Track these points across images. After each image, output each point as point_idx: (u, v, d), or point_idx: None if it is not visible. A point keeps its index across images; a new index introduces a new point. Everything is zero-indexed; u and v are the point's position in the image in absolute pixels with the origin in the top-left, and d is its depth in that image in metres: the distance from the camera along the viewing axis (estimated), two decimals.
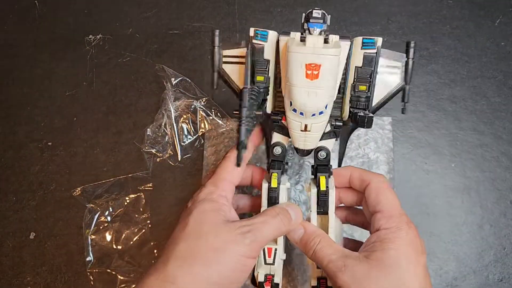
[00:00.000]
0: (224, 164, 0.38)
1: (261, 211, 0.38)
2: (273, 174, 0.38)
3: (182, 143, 0.54)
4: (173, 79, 0.55)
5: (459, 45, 0.58)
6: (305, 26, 0.35)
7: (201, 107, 0.55)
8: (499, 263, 0.50)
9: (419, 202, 0.52)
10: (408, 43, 0.38)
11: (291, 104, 0.35)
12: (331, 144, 0.40)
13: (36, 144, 0.57)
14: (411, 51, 0.38)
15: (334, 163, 0.42)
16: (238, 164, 0.34)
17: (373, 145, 0.53)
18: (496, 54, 0.57)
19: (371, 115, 0.35)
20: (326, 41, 0.34)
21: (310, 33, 0.34)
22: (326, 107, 0.35)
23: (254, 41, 0.37)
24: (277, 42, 0.38)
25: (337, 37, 0.36)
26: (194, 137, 0.55)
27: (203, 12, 0.61)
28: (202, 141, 0.55)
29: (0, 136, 0.58)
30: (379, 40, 0.37)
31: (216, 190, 0.36)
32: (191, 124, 0.55)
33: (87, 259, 0.51)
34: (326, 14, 0.35)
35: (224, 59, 0.39)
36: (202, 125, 0.55)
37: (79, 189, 0.53)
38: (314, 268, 0.38)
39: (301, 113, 0.35)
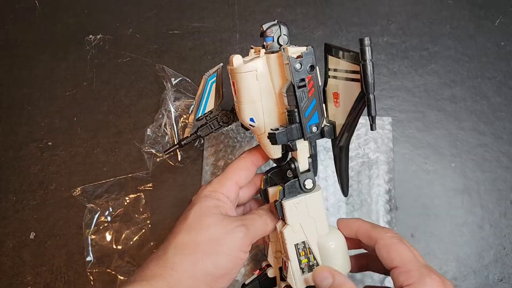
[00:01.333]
0: (235, 164, 0.40)
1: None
2: (263, 176, 0.41)
3: (182, 143, 0.54)
4: (173, 79, 0.55)
5: (459, 45, 0.58)
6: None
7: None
8: (499, 263, 0.50)
9: (419, 202, 0.52)
10: (361, 40, 0.30)
11: None
12: (299, 156, 0.38)
13: (36, 144, 0.57)
14: (367, 50, 0.29)
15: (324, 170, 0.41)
16: (164, 153, 0.38)
17: (373, 145, 0.53)
18: (496, 54, 0.57)
19: (275, 131, 0.34)
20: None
21: (265, 48, 0.36)
22: (252, 121, 0.36)
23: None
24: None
25: (292, 48, 0.33)
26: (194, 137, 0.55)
27: (203, 12, 0.61)
28: (202, 141, 0.55)
29: (0, 136, 0.58)
30: (288, 50, 0.33)
31: (219, 188, 0.38)
32: None
33: (87, 259, 0.51)
34: (277, 24, 0.35)
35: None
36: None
37: (79, 189, 0.53)
38: (314, 281, 0.38)
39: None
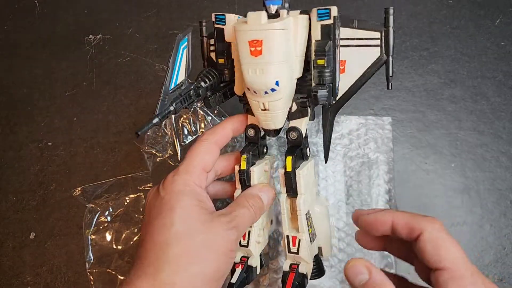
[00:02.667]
0: (198, 148, 0.37)
1: (234, 194, 0.39)
2: (242, 156, 0.39)
3: (182, 143, 0.54)
4: None
5: (459, 45, 0.58)
6: (264, 4, 0.34)
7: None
8: (499, 263, 0.50)
9: (419, 202, 0.52)
10: (387, 10, 0.35)
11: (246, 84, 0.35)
12: (303, 124, 0.38)
13: (36, 144, 0.57)
14: (391, 18, 0.35)
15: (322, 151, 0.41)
16: (136, 133, 0.33)
17: (373, 145, 0.53)
18: (496, 54, 0.57)
19: (323, 90, 0.34)
20: (274, 16, 0.33)
21: (266, 11, 0.33)
22: (277, 84, 0.33)
23: (215, 25, 0.38)
24: None
25: (297, 12, 0.35)
26: (194, 137, 0.55)
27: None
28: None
29: (0, 136, 0.58)
30: (334, 9, 0.34)
31: (190, 179, 0.35)
32: (191, 124, 0.55)
33: (87, 259, 0.51)
34: None
35: (212, 48, 0.40)
36: (202, 125, 0.55)
37: (79, 189, 0.53)
38: (287, 253, 0.38)
39: (255, 92, 0.34)
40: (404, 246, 0.33)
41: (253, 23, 0.32)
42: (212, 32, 0.40)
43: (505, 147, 0.54)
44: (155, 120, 0.33)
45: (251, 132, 0.40)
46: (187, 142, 0.55)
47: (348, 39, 0.36)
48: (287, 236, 0.38)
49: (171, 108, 0.34)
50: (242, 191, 0.39)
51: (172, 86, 0.34)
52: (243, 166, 0.38)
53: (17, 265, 0.52)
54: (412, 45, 0.58)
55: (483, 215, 0.51)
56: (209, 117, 0.55)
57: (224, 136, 0.39)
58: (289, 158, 0.37)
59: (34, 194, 0.55)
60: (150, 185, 0.54)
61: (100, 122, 0.57)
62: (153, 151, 0.54)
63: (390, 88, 0.35)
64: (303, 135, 0.38)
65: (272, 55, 0.32)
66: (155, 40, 0.60)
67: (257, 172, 0.39)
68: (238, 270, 0.38)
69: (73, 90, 0.59)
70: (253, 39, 0.32)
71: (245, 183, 0.39)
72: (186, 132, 0.55)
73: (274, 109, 0.35)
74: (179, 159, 0.54)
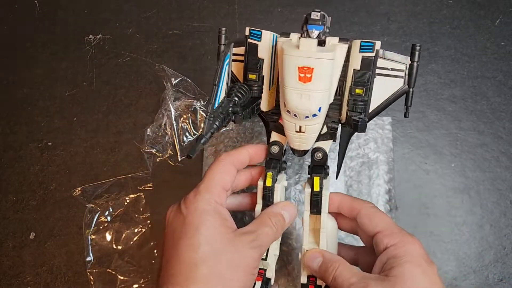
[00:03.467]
0: (217, 168, 0.38)
1: (255, 209, 0.39)
2: (268, 173, 0.39)
3: (182, 143, 0.54)
4: (173, 79, 0.55)
5: (459, 45, 0.58)
6: (304, 28, 0.35)
7: (201, 107, 0.55)
8: (499, 263, 0.50)
9: (419, 202, 0.52)
10: (414, 46, 0.37)
11: (285, 106, 0.35)
12: (328, 145, 0.40)
13: (36, 144, 0.57)
14: (417, 54, 0.37)
15: (333, 164, 0.42)
16: (188, 156, 0.32)
17: (373, 145, 0.53)
18: (496, 54, 0.57)
19: (365, 119, 0.35)
20: (323, 43, 0.34)
21: (308, 35, 0.34)
22: (319, 110, 0.35)
23: (249, 40, 0.38)
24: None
25: (336, 39, 0.36)
26: (194, 137, 0.55)
27: (203, 12, 0.61)
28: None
29: (0, 136, 0.58)
30: (378, 44, 0.36)
31: (211, 198, 0.36)
32: (191, 124, 0.55)
33: (87, 259, 0.51)
34: (326, 15, 0.35)
35: (233, 57, 0.39)
36: (202, 125, 0.55)
37: (79, 189, 0.53)
38: (304, 265, 0.38)
39: (295, 115, 0.35)
40: (349, 222, 0.40)
41: (306, 50, 0.32)
42: (236, 43, 0.39)
43: (505, 147, 0.54)
44: (203, 140, 0.33)
45: (275, 149, 0.40)
46: (187, 142, 0.55)
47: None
48: (307, 250, 0.38)
49: (215, 126, 0.34)
50: (263, 207, 0.39)
51: (216, 105, 0.34)
52: (269, 183, 0.39)
53: (17, 265, 0.52)
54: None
55: (483, 215, 0.51)
56: None
57: (240, 160, 0.39)
58: (317, 178, 0.38)
59: (34, 194, 0.55)
60: (150, 185, 0.54)
61: (100, 122, 0.57)
62: (153, 151, 0.54)
63: (407, 116, 0.39)
64: (326, 157, 0.40)
65: (320, 83, 0.33)
66: (155, 40, 0.60)
67: (280, 190, 0.39)
68: (258, 283, 0.38)
69: (73, 90, 0.59)
70: (304, 65, 0.32)
71: (269, 199, 0.39)
72: (186, 132, 0.55)
73: (310, 132, 0.37)
74: (179, 159, 0.54)
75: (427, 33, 0.59)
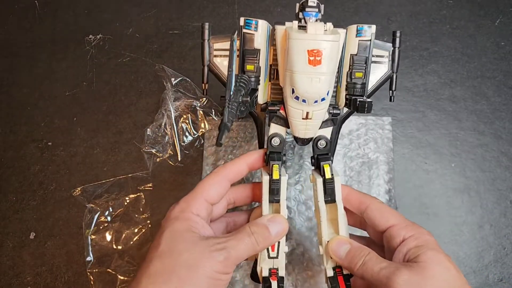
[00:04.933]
0: (205, 180, 0.38)
1: (263, 202, 0.38)
2: (274, 165, 0.38)
3: (182, 143, 0.54)
4: (173, 79, 0.55)
5: (459, 45, 0.58)
6: (301, 15, 0.35)
7: (201, 107, 0.55)
8: (499, 263, 0.50)
9: (419, 202, 0.52)
10: (394, 33, 0.39)
11: (293, 92, 0.35)
12: (329, 133, 0.39)
13: (36, 144, 0.57)
14: (397, 40, 0.39)
15: None
16: (218, 144, 0.32)
17: (373, 145, 0.53)
18: (496, 54, 0.57)
19: (370, 100, 0.35)
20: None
21: (305, 22, 0.34)
22: (327, 94, 0.35)
23: (244, 30, 0.37)
24: (271, 31, 0.38)
25: (331, 25, 0.36)
26: (194, 137, 0.55)
27: (203, 12, 0.61)
28: (202, 141, 0.55)
29: (0, 136, 0.58)
30: (373, 27, 0.38)
31: (187, 208, 0.36)
32: (191, 124, 0.55)
33: (87, 259, 0.51)
34: (320, 3, 0.35)
35: (215, 53, 0.39)
36: (202, 125, 0.55)
37: (79, 189, 0.53)
38: (328, 258, 0.37)
39: (304, 101, 0.35)
40: (356, 216, 0.40)
41: (314, 33, 0.33)
42: (216, 36, 0.39)
43: (505, 147, 0.54)
44: (228, 126, 0.32)
45: (277, 141, 0.39)
46: (187, 142, 0.55)
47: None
48: (328, 242, 0.37)
49: (234, 113, 0.33)
50: (270, 202, 0.38)
51: (232, 92, 0.34)
52: (276, 175, 0.38)
53: (17, 265, 0.52)
54: (412, 45, 0.58)
55: (483, 215, 0.51)
56: (210, 117, 0.55)
57: (236, 172, 0.39)
58: (327, 166, 0.38)
59: (34, 194, 0.55)
60: (150, 185, 0.54)
61: (100, 122, 0.57)
62: (153, 151, 0.54)
63: (392, 101, 0.40)
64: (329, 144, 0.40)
65: (330, 65, 0.33)
66: (155, 40, 0.60)
67: (283, 183, 0.38)
68: (274, 283, 0.37)
69: (73, 90, 0.59)
70: (313, 48, 0.33)
71: (277, 192, 0.38)
72: (186, 132, 0.55)
73: (317, 118, 0.37)
74: (179, 159, 0.54)
75: (427, 33, 0.59)
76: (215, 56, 0.39)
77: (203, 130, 0.55)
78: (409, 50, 0.58)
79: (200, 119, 0.55)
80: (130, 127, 0.56)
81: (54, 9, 0.63)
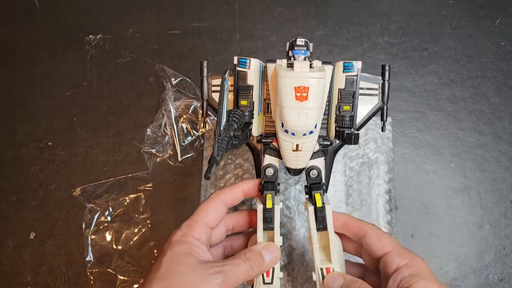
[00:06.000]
0: (204, 205, 0.39)
1: (257, 231, 0.39)
2: (267, 195, 0.39)
3: (182, 143, 0.54)
4: (173, 79, 0.55)
5: (459, 45, 0.58)
6: (290, 54, 0.37)
7: (201, 106, 0.55)
8: (499, 263, 0.50)
9: (419, 202, 0.52)
10: (383, 66, 0.40)
11: (282, 126, 0.37)
12: (321, 163, 0.41)
13: (36, 144, 0.57)
14: (387, 73, 0.40)
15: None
16: (206, 177, 0.35)
17: (373, 145, 0.53)
18: (496, 54, 0.57)
19: (357, 132, 0.37)
20: (310, 66, 0.36)
21: (295, 59, 0.36)
22: (315, 127, 0.37)
23: (238, 68, 0.40)
24: (264, 68, 0.40)
25: (320, 62, 0.38)
26: (194, 137, 0.55)
27: (203, 12, 0.61)
28: (202, 141, 0.55)
29: (0, 136, 0.58)
30: (359, 64, 0.40)
31: (189, 232, 0.37)
32: (191, 124, 0.55)
33: (87, 259, 0.51)
34: (308, 42, 0.38)
35: (213, 88, 0.41)
36: (202, 125, 0.55)
37: (79, 189, 0.53)
38: (321, 286, 0.39)
39: (293, 134, 0.37)
40: (352, 243, 0.41)
41: (300, 71, 0.35)
42: (213, 74, 0.41)
43: (505, 147, 0.54)
44: (216, 161, 0.34)
45: (271, 172, 0.41)
46: (187, 142, 0.55)
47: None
48: (321, 269, 0.39)
49: (224, 147, 0.35)
50: (264, 230, 0.39)
51: (222, 127, 0.36)
52: (269, 204, 0.39)
53: (17, 265, 0.52)
54: (412, 45, 0.58)
55: (483, 215, 0.51)
56: (210, 117, 0.55)
57: (233, 197, 0.41)
58: (318, 195, 0.39)
59: (34, 194, 0.55)
60: (150, 185, 0.54)
61: (100, 122, 0.57)
62: (153, 151, 0.54)
63: (384, 131, 0.42)
64: (322, 173, 0.41)
65: (316, 100, 0.35)
66: (155, 40, 0.60)
67: (277, 212, 0.40)
68: None
69: (73, 90, 0.59)
70: (300, 85, 0.35)
71: (270, 221, 0.39)
72: (186, 132, 0.55)
73: (306, 149, 0.39)
74: (179, 159, 0.54)
75: (427, 33, 0.59)
76: (213, 91, 0.41)
77: (203, 130, 0.55)
78: (409, 50, 0.58)
79: (200, 119, 0.55)
80: (130, 127, 0.57)
81: (54, 9, 0.63)
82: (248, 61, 0.40)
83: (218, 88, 0.40)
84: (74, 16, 0.62)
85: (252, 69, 0.40)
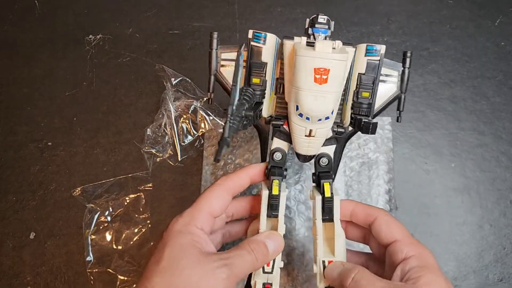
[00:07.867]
0: (208, 192, 0.37)
1: (261, 217, 0.38)
2: (274, 181, 0.37)
3: (182, 143, 0.54)
4: (173, 79, 0.55)
5: (459, 45, 0.58)
6: (310, 31, 0.35)
7: (201, 107, 0.55)
8: (499, 263, 0.50)
9: (419, 202, 0.52)
10: (405, 53, 0.38)
11: (297, 109, 0.34)
12: (332, 151, 0.39)
13: (36, 144, 0.57)
14: (408, 60, 0.38)
15: None
16: (216, 160, 0.32)
17: (373, 145, 0.53)
18: (496, 54, 0.57)
19: (375, 121, 0.35)
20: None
21: (314, 38, 0.34)
22: (332, 113, 0.35)
23: (252, 43, 0.37)
24: (280, 45, 0.37)
25: (341, 42, 0.36)
26: (194, 137, 0.55)
27: (203, 12, 0.61)
28: (202, 141, 0.55)
29: (0, 136, 0.58)
30: (383, 48, 0.37)
31: (192, 221, 0.35)
32: (191, 124, 0.55)
33: (87, 259, 0.51)
34: (330, 20, 0.35)
35: (222, 63, 0.38)
36: (202, 125, 0.55)
37: (79, 189, 0.53)
38: (321, 278, 0.37)
39: (307, 118, 0.35)
40: (360, 231, 0.40)
41: (322, 51, 0.32)
42: (223, 46, 0.39)
43: (505, 147, 0.54)
44: (226, 142, 0.32)
45: (279, 156, 0.39)
46: (187, 142, 0.55)
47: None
48: (323, 261, 0.37)
49: (235, 127, 0.33)
50: (268, 217, 0.38)
51: (235, 106, 0.34)
52: (275, 191, 0.37)
53: (17, 265, 0.52)
54: (412, 45, 0.58)
55: (483, 215, 0.51)
56: (210, 117, 0.55)
57: (238, 184, 0.39)
58: (327, 184, 0.37)
59: (34, 194, 0.55)
60: (150, 185, 0.54)
61: (100, 122, 0.57)
62: (153, 151, 0.54)
63: (399, 121, 0.39)
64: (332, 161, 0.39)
65: (335, 84, 0.33)
66: (155, 40, 0.60)
67: (282, 199, 0.38)
68: None
69: (73, 90, 0.59)
70: (320, 67, 0.32)
71: (276, 208, 0.37)
72: (186, 132, 0.55)
73: (320, 136, 0.36)
74: (179, 159, 0.54)
75: (427, 33, 0.59)
76: (222, 66, 0.38)
77: (203, 130, 0.55)
78: (409, 50, 0.58)
79: (200, 119, 0.55)
80: (130, 127, 0.56)
81: (54, 9, 0.63)
82: (264, 36, 0.37)
83: (227, 63, 0.38)
84: (74, 16, 0.62)
85: (268, 45, 0.37)
